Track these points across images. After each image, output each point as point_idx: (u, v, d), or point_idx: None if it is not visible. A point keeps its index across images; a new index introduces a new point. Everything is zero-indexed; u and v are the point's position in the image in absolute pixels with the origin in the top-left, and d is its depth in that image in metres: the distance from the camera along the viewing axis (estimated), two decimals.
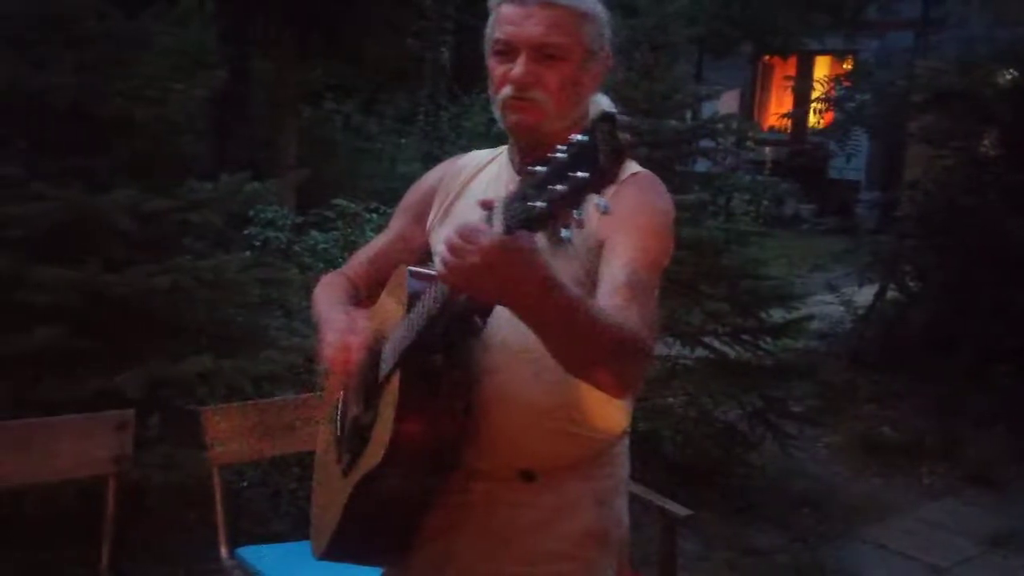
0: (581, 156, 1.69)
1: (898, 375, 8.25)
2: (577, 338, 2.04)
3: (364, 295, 2.77)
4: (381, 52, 13.01)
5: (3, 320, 4.36)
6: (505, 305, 2.01)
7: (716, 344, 6.34)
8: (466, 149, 2.96)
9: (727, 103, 14.62)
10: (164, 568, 4.57)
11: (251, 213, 6.98)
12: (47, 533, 4.32)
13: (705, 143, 7.07)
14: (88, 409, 3.88)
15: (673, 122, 6.65)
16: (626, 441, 2.66)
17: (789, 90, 18.82)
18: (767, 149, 15.37)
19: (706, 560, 5.45)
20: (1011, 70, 8.76)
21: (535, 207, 1.72)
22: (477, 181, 2.68)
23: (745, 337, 6.37)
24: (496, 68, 2.44)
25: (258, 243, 7.03)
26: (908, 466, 6.94)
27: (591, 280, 2.31)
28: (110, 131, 4.81)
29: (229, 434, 4.00)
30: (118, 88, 4.74)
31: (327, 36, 11.13)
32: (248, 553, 3.93)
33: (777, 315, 6.59)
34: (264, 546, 4.04)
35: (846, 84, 11.32)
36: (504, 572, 2.51)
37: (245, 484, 5.10)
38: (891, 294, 9.30)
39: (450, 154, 2.98)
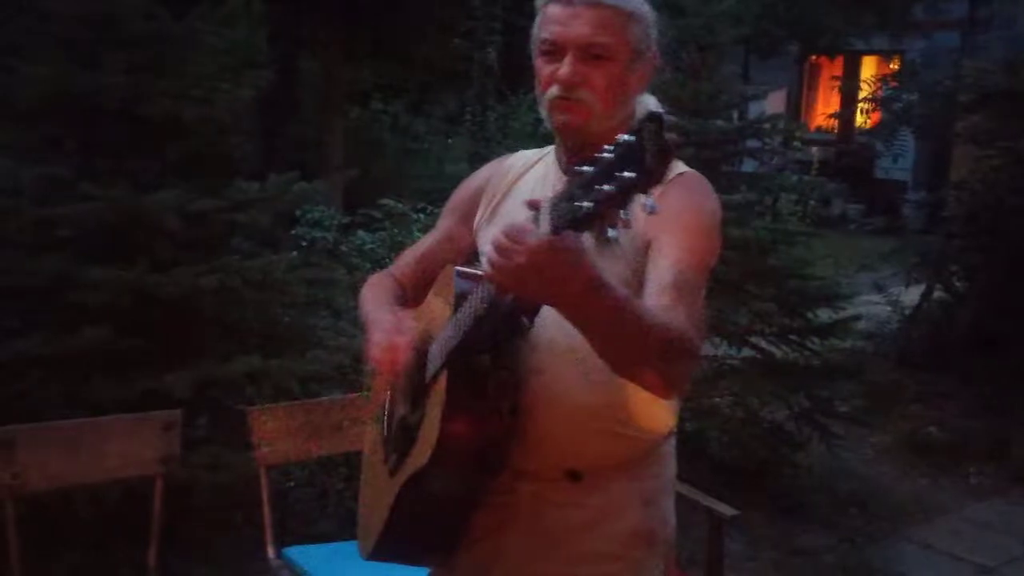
0: (627, 156, 1.68)
1: (945, 375, 8.18)
2: (624, 338, 2.03)
3: (411, 295, 2.76)
4: (429, 52, 13.03)
5: (55, 320, 4.37)
6: (552, 305, 2.01)
7: (763, 344, 6.31)
8: (513, 149, 2.95)
9: (774, 103, 14.51)
10: (211, 568, 4.57)
11: (298, 213, 6.98)
12: (97, 533, 4.32)
13: (752, 143, 7.01)
14: (136, 409, 3.91)
15: (720, 122, 6.63)
16: (673, 441, 2.64)
17: (836, 90, 18.63)
18: (814, 149, 15.08)
19: (752, 560, 5.44)
20: None
21: (582, 207, 1.71)
22: (524, 181, 2.67)
23: (792, 337, 6.34)
24: (543, 68, 2.43)
25: (305, 243, 7.03)
26: (954, 466, 6.88)
27: (638, 280, 2.29)
28: (159, 131, 4.80)
29: (276, 434, 4.01)
30: (166, 88, 4.73)
31: (375, 36, 11.14)
32: (295, 553, 3.92)
33: (824, 315, 6.53)
34: (311, 546, 4.03)
35: (893, 84, 11.23)
36: (551, 572, 2.50)
37: (292, 484, 5.08)
38: (938, 294, 9.21)
39: (497, 154, 2.96)
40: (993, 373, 7.67)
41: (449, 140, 12.08)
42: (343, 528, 4.57)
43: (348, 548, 3.22)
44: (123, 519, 4.10)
